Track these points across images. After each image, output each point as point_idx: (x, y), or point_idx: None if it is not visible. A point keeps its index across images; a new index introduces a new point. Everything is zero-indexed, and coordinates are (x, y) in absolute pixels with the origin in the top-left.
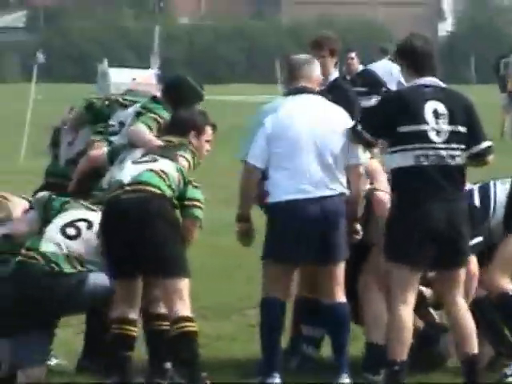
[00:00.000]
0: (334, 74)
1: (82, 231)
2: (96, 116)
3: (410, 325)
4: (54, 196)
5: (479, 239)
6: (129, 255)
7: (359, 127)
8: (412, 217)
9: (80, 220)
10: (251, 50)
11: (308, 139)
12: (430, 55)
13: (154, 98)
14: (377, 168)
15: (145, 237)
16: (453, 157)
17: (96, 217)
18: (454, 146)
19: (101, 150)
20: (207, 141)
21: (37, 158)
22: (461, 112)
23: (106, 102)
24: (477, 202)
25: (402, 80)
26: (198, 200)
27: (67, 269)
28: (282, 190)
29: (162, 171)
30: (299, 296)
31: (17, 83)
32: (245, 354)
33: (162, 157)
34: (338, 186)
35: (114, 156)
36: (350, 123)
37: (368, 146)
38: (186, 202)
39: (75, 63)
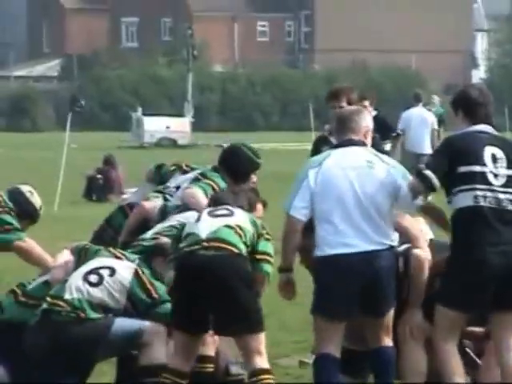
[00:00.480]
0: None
1: (104, 278)
2: (162, 177)
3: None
4: (88, 245)
5: None
6: (202, 312)
7: (427, 172)
8: (469, 263)
9: (104, 267)
10: (285, 98)
11: (353, 194)
12: (484, 105)
13: (213, 167)
14: (417, 225)
15: (224, 297)
16: (510, 201)
17: (120, 265)
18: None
19: (154, 203)
20: (257, 217)
21: (71, 206)
22: None
23: (172, 167)
24: None
25: (436, 126)
26: (269, 254)
27: (93, 314)
28: (328, 244)
29: (239, 226)
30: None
31: (51, 132)
32: None
33: (238, 207)
34: (386, 240)
35: (166, 213)
36: (404, 172)
37: (432, 190)
38: (258, 256)
39: (109, 111)
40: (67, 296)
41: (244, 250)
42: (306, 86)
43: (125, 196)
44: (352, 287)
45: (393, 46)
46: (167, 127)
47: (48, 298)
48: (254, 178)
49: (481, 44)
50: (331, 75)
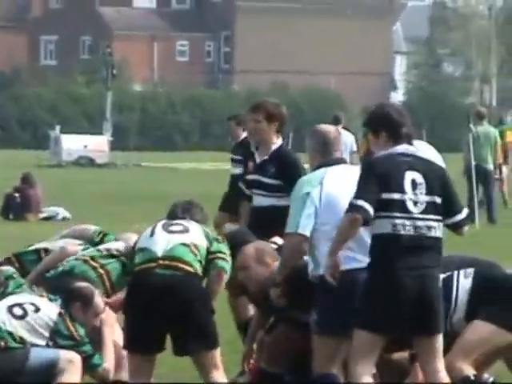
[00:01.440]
0: (278, 141)
1: (28, 313)
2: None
3: None
4: (14, 275)
5: None
6: (158, 332)
7: (360, 202)
8: (385, 286)
9: (28, 303)
10: (205, 118)
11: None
12: (405, 124)
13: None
14: None
15: (182, 318)
16: (429, 228)
17: (44, 303)
18: (431, 216)
19: (77, 247)
20: None
21: None
22: (437, 182)
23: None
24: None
25: (355, 148)
26: (222, 252)
27: (12, 344)
28: (344, 260)
29: (194, 245)
30: (259, 366)
31: None
32: None
33: (192, 220)
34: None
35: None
36: None
37: (367, 223)
38: (211, 256)
39: (27, 129)
40: None
41: (199, 268)
42: (226, 107)
43: (43, 214)
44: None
45: (313, 68)
46: (85, 146)
47: None
48: None
49: (400, 66)
50: (251, 96)
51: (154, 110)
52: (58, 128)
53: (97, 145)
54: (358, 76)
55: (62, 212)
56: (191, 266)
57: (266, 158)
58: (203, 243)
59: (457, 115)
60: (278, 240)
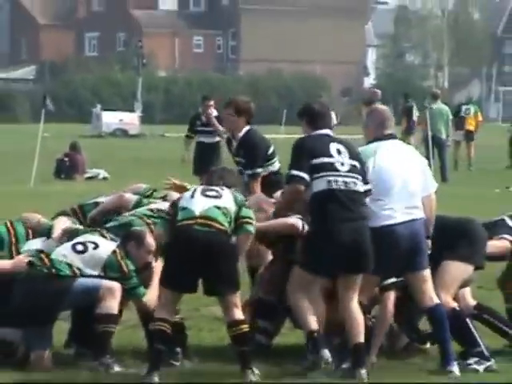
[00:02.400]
0: (245, 129)
1: (88, 249)
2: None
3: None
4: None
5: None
6: (190, 276)
7: (294, 172)
8: (322, 233)
9: (90, 241)
10: (216, 96)
11: (399, 178)
12: (324, 114)
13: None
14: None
15: (212, 266)
16: (355, 183)
17: (104, 241)
18: (355, 175)
19: (132, 196)
20: None
21: (43, 184)
22: (355, 154)
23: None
24: None
25: (335, 121)
26: (249, 218)
27: (63, 272)
28: (382, 217)
29: (225, 208)
30: (256, 297)
31: (27, 124)
32: None
33: (225, 189)
34: (420, 212)
35: (138, 206)
36: (424, 161)
37: (306, 186)
38: (241, 220)
39: (74, 107)
40: (53, 256)
41: (228, 227)
42: (233, 88)
43: (87, 175)
44: (397, 248)
45: (302, 58)
46: (120, 120)
47: (40, 255)
48: None
49: (371, 56)
50: (253, 80)
51: (175, 91)
52: (98, 106)
53: (129, 119)
54: (338, 64)
55: (103, 173)
56: (222, 225)
57: (237, 143)
58: (233, 207)
59: (416, 95)
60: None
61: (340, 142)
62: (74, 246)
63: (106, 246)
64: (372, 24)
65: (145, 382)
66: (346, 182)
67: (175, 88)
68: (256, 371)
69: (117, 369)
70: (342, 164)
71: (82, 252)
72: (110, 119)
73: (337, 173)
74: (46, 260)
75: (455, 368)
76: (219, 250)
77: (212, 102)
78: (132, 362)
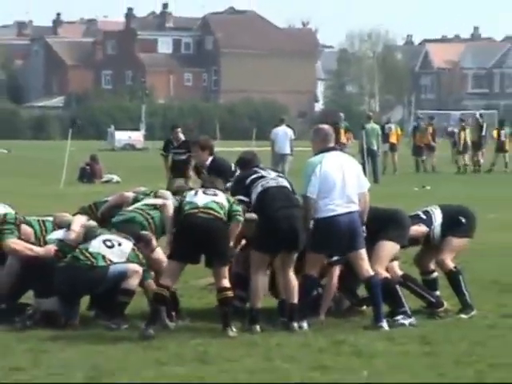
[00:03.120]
0: (208, 158)
1: (114, 246)
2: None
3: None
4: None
5: None
6: (194, 251)
7: (240, 197)
8: (268, 222)
9: (115, 240)
10: (202, 120)
11: (341, 179)
12: (250, 160)
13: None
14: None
15: (210, 242)
16: (283, 181)
17: (124, 240)
18: (283, 178)
19: (130, 194)
20: None
21: (70, 187)
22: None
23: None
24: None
25: (293, 137)
26: (238, 211)
27: (100, 263)
28: (327, 210)
29: (221, 203)
30: (235, 271)
31: (58, 140)
32: None
33: (219, 190)
34: (356, 206)
35: (136, 202)
36: (359, 166)
37: (249, 205)
38: (232, 213)
39: (93, 127)
40: (90, 250)
41: (224, 216)
42: (215, 113)
43: (103, 179)
44: (339, 234)
45: (268, 89)
46: (129, 137)
47: (77, 249)
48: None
49: (320, 87)
50: (230, 106)
51: (171, 115)
52: (112, 127)
53: (136, 137)
54: (295, 93)
55: (116, 178)
56: (219, 213)
57: (206, 170)
58: (226, 204)
59: (355, 118)
60: None
61: (262, 168)
62: (104, 242)
63: (126, 244)
64: (320, 62)
65: (142, 334)
66: (277, 182)
67: (171, 113)
68: (233, 329)
69: (125, 326)
70: (269, 174)
71: (110, 247)
72: (121, 136)
73: (266, 179)
74: (87, 254)
75: (384, 324)
76: (216, 232)
77: (179, 129)
78: (138, 322)
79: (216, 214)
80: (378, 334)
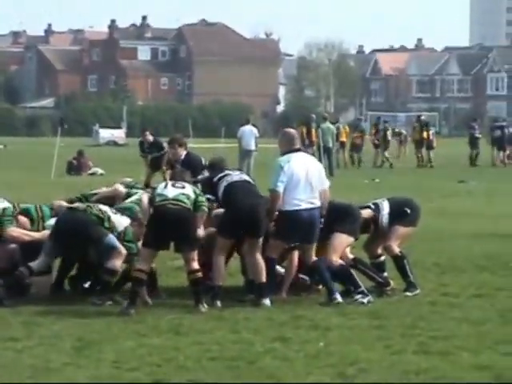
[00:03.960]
0: (183, 153)
1: (118, 214)
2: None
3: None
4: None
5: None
6: (165, 238)
7: (208, 196)
8: (234, 213)
9: (118, 212)
10: (176, 118)
11: (305, 177)
12: (217, 163)
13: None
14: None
15: (179, 230)
16: (247, 177)
17: (124, 216)
18: (246, 176)
19: (124, 189)
20: None
21: (59, 178)
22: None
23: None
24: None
25: (257, 135)
26: (203, 201)
27: (106, 224)
28: (291, 204)
29: (188, 195)
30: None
31: (49, 137)
32: None
33: (186, 183)
34: (317, 201)
35: (128, 197)
36: (321, 166)
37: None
38: (197, 204)
39: (80, 126)
40: (104, 208)
41: (191, 207)
42: (188, 113)
43: (89, 172)
44: (303, 226)
45: (234, 92)
46: (112, 134)
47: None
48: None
49: (281, 91)
50: (202, 107)
51: (149, 114)
52: (97, 125)
53: (118, 134)
54: (259, 96)
55: (100, 170)
56: (186, 204)
57: (180, 164)
58: (192, 195)
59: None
60: None
61: (228, 169)
62: (111, 210)
63: (126, 219)
64: (282, 69)
65: (123, 312)
66: (239, 177)
67: (149, 112)
68: (205, 305)
69: (108, 303)
70: (234, 172)
71: (115, 213)
72: (105, 134)
73: (231, 176)
74: (98, 208)
75: (338, 296)
76: (184, 221)
77: (148, 132)
78: (122, 300)
79: (183, 204)
80: (332, 309)
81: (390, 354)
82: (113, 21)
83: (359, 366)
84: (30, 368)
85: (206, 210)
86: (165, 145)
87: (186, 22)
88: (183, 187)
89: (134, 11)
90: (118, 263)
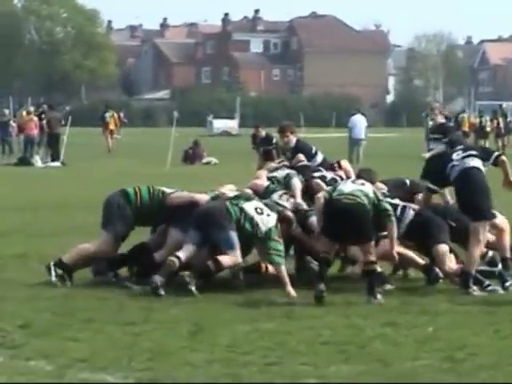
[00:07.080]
0: (294, 140)
1: (264, 214)
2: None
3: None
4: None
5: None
6: (341, 231)
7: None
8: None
9: (265, 210)
10: (288, 110)
11: None
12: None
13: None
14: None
15: (353, 223)
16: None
17: (272, 214)
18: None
19: (263, 182)
20: None
21: (175, 167)
22: None
23: None
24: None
25: (366, 124)
26: (386, 209)
27: (235, 216)
28: None
29: (366, 192)
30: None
31: (164, 127)
32: None
33: (366, 181)
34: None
35: (268, 193)
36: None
37: None
38: (380, 210)
39: (195, 117)
40: (246, 209)
41: (366, 203)
42: (298, 104)
43: (204, 161)
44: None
45: (346, 82)
46: (225, 125)
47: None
48: None
49: (391, 81)
50: (312, 99)
51: (261, 106)
52: (211, 116)
53: (231, 124)
54: (369, 87)
55: (214, 160)
56: (362, 200)
57: (290, 151)
58: (371, 194)
59: (421, 107)
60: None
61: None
62: (255, 209)
63: (273, 217)
64: (391, 59)
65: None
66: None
67: (261, 104)
68: (378, 296)
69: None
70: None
71: (260, 214)
72: (219, 124)
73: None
74: (243, 212)
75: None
76: (357, 214)
77: (260, 128)
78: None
79: (358, 199)
80: (442, 295)
81: (499, 338)
82: (226, 14)
83: (468, 350)
84: (148, 351)
85: (393, 220)
86: (275, 140)
87: (297, 15)
88: (362, 184)
89: (247, 4)
90: (227, 262)
